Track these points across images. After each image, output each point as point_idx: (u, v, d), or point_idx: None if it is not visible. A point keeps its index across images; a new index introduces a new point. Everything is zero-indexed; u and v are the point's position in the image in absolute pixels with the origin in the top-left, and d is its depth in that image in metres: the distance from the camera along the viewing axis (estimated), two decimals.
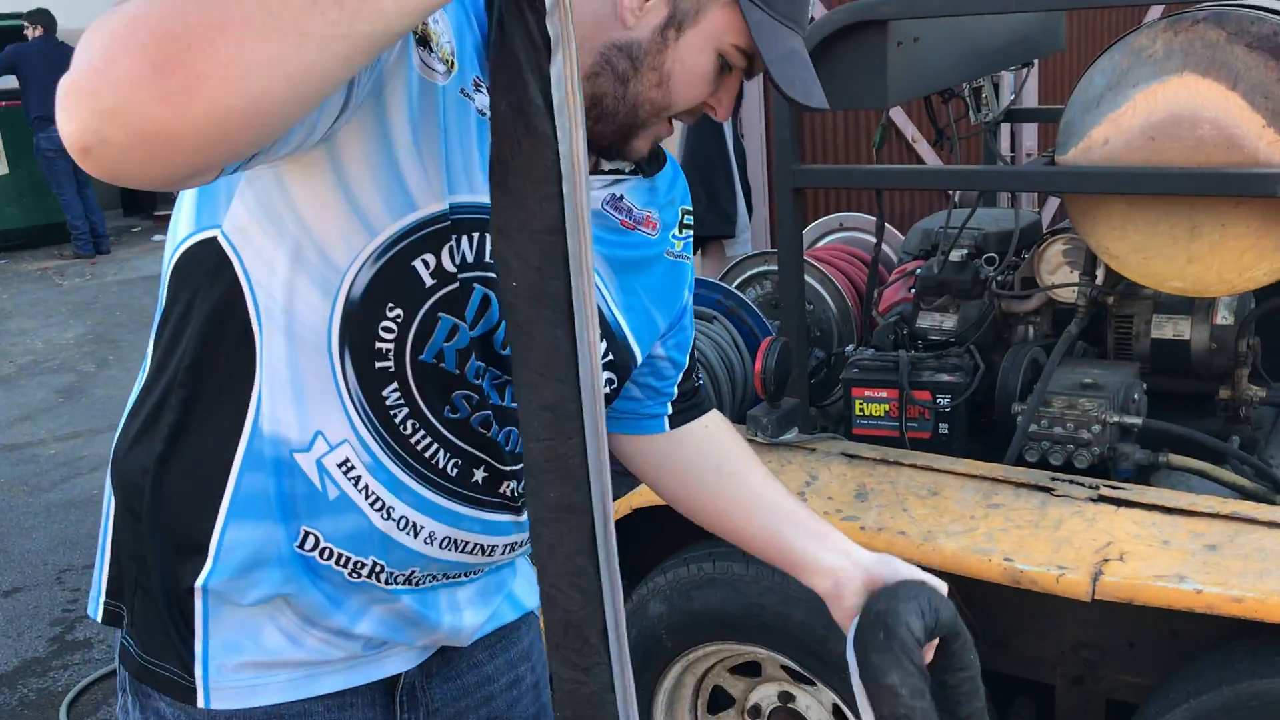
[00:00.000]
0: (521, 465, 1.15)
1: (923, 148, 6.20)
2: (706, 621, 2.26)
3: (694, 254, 4.75)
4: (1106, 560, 1.84)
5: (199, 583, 1.23)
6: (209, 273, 1.17)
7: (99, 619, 1.33)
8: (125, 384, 6.56)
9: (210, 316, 1.18)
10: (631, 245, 1.34)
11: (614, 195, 1.33)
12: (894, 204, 6.34)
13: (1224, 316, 2.59)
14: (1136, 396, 2.43)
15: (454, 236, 1.14)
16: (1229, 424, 2.60)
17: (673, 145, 5.44)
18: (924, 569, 2.13)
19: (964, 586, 2.21)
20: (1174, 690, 1.89)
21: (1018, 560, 1.89)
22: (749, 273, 3.61)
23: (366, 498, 1.23)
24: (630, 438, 1.47)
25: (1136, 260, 2.24)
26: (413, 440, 1.21)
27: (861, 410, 2.58)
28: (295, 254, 1.13)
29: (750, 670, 2.39)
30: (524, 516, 1.32)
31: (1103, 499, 2.02)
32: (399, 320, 1.15)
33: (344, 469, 1.21)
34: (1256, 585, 1.73)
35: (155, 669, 1.27)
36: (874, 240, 2.98)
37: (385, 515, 1.24)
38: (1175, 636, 2.03)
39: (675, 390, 1.46)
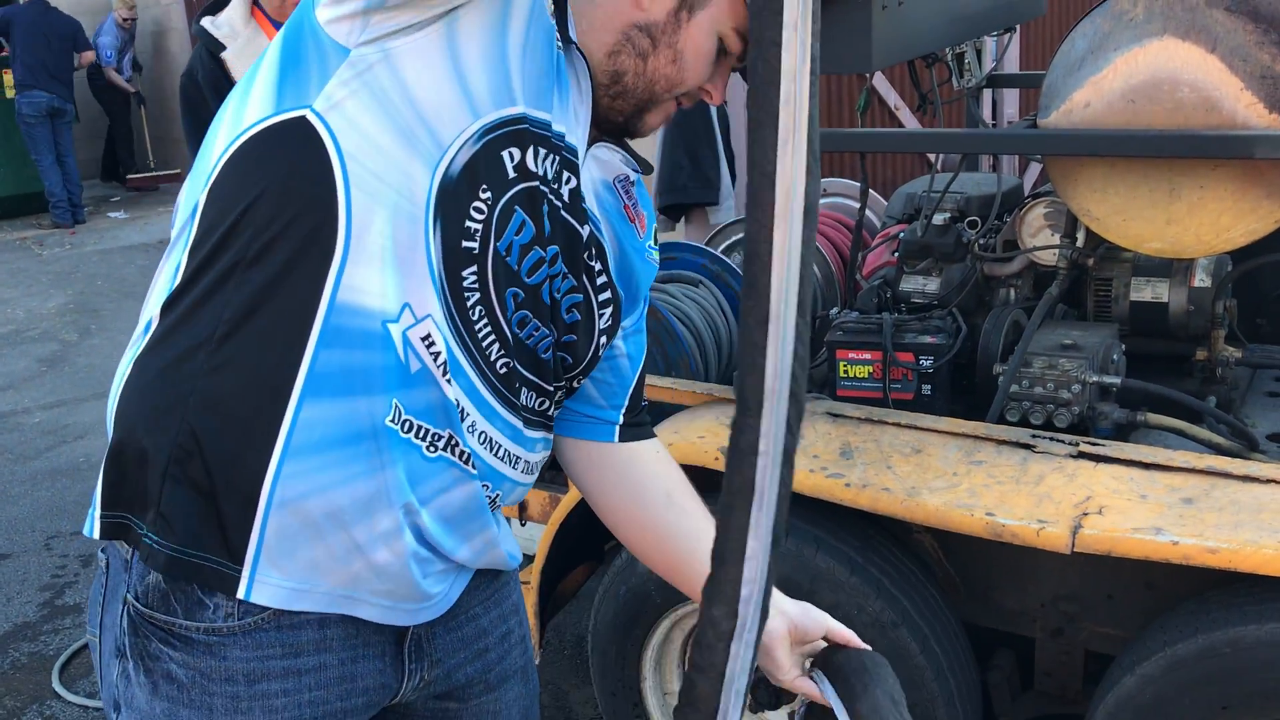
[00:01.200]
0: (558, 385, 1.35)
1: (905, 114, 6.22)
2: None
3: (678, 221, 4.78)
4: (1085, 514, 1.89)
5: (270, 470, 1.23)
6: (289, 150, 1.22)
7: (96, 535, 1.32)
8: (108, 352, 6.56)
9: (287, 193, 1.22)
10: (628, 234, 1.43)
11: (626, 177, 1.42)
12: (877, 169, 6.36)
13: (1201, 279, 2.63)
14: (1115, 357, 2.47)
15: (531, 143, 1.24)
16: (1206, 384, 2.65)
17: None
18: (908, 524, 2.19)
19: (947, 541, 2.26)
20: (1151, 640, 1.94)
21: (999, 514, 1.93)
22: (734, 238, 3.65)
23: (443, 375, 1.27)
24: (576, 443, 1.52)
25: (1116, 222, 2.28)
26: (478, 328, 1.28)
27: (846, 372, 2.61)
28: (401, 129, 1.21)
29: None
30: (551, 434, 1.43)
31: (1082, 455, 2.06)
32: (488, 202, 1.24)
33: (427, 343, 1.25)
34: (1231, 536, 1.78)
35: (192, 558, 1.25)
36: (857, 205, 3.01)
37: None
38: (1152, 589, 2.08)
39: (627, 400, 1.51)
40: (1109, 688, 1.97)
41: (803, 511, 2.18)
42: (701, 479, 2.21)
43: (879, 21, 2.29)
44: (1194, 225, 2.21)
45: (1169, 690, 1.88)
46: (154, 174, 11.97)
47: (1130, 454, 2.04)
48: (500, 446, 1.35)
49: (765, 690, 2.27)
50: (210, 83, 2.70)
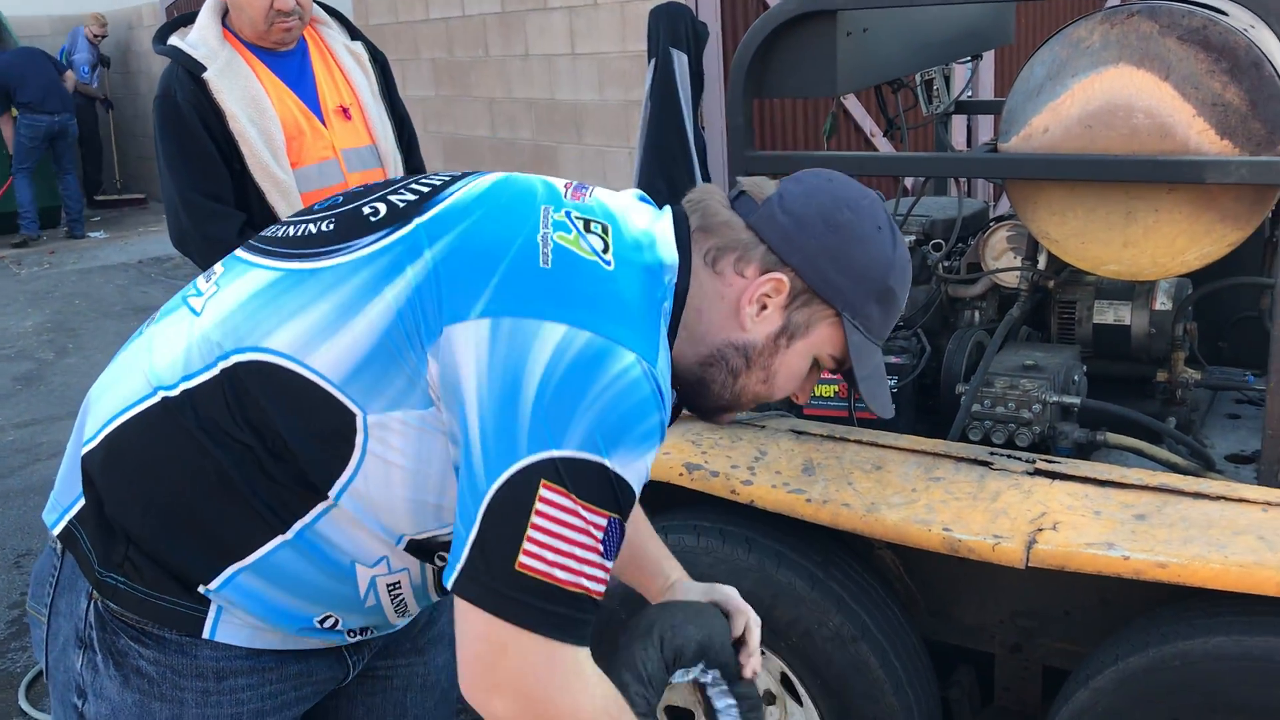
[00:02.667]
0: None
1: (880, 142, 6.30)
2: None
3: None
4: (1040, 529, 1.92)
5: (204, 590, 1.35)
6: (326, 425, 1.28)
7: (55, 531, 1.40)
8: (85, 371, 6.55)
9: (314, 437, 1.30)
10: None
11: None
12: None
13: (1162, 302, 2.68)
14: (1076, 378, 2.51)
15: None
16: (1166, 405, 2.69)
17: (634, 136, 5.50)
18: (869, 540, 2.22)
19: (908, 558, 2.29)
20: (1104, 655, 1.97)
21: (956, 530, 1.96)
22: None
23: (394, 603, 1.44)
24: None
25: (1075, 245, 2.32)
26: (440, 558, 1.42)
27: (812, 391, 2.64)
28: (417, 492, 1.32)
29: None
30: None
31: (1039, 472, 2.10)
32: None
33: (392, 589, 1.41)
34: (1180, 551, 1.81)
35: (159, 601, 1.34)
36: None
37: (401, 613, 1.48)
38: (1107, 605, 2.11)
39: None
40: (1063, 702, 2.00)
41: (765, 527, 2.21)
42: (666, 495, 2.24)
43: (844, 47, 2.34)
44: (1150, 248, 2.26)
45: (1120, 703, 1.91)
46: (121, 197, 11.99)
47: (1085, 471, 2.08)
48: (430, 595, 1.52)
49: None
50: (193, 104, 2.69)
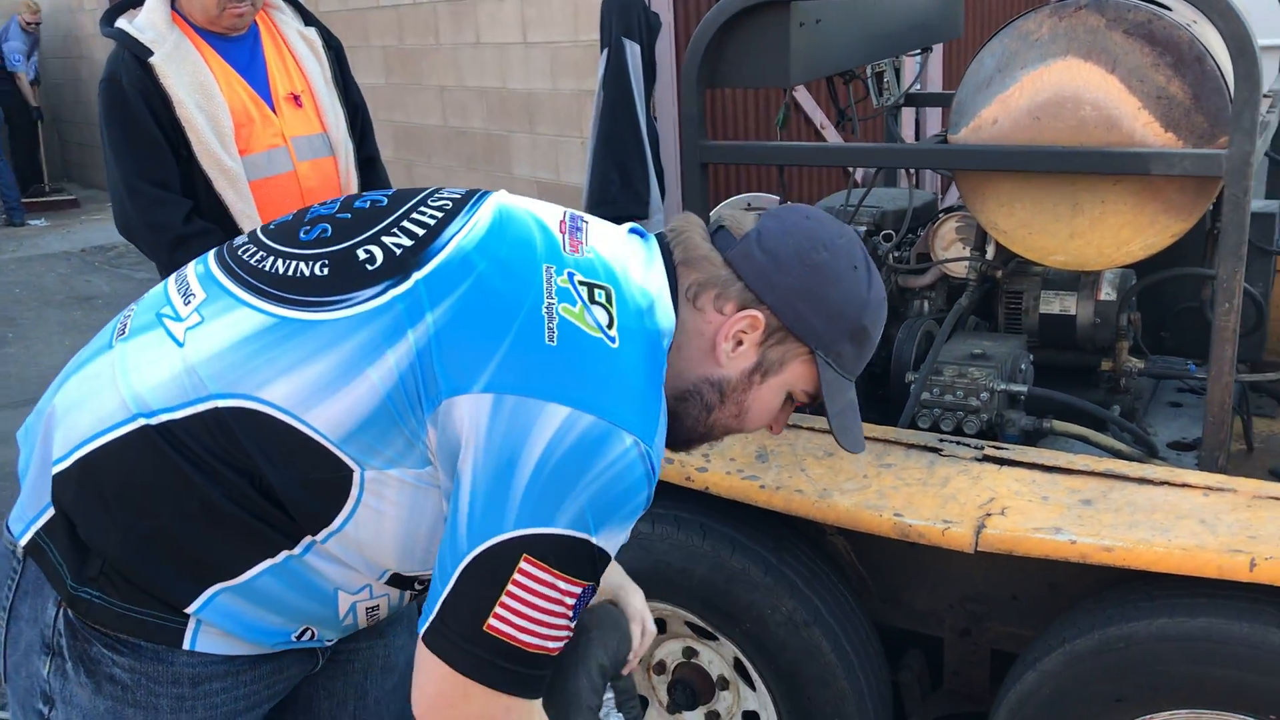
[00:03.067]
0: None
1: (830, 134, 6.34)
2: None
3: None
4: (989, 515, 1.95)
5: (192, 605, 1.35)
6: (323, 475, 1.29)
7: (20, 543, 1.37)
8: (24, 361, 6.43)
9: (301, 493, 1.31)
10: None
11: None
12: (801, 186, 6.47)
13: (1107, 293, 2.72)
14: (1023, 366, 2.55)
15: None
16: (1110, 394, 2.74)
17: (587, 126, 5.50)
18: (822, 526, 2.24)
19: (859, 544, 2.32)
20: (1051, 637, 2.01)
21: (906, 515, 1.99)
22: None
23: (369, 618, 1.46)
24: None
25: (1022, 235, 2.36)
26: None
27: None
28: (406, 546, 1.35)
29: (656, 627, 2.47)
30: None
31: (987, 459, 2.13)
32: None
33: (370, 612, 1.44)
34: (1125, 535, 1.85)
35: (137, 614, 1.34)
36: None
37: (375, 622, 1.50)
38: (1055, 589, 2.15)
39: None
40: (1011, 684, 2.03)
41: (719, 514, 2.23)
42: None
43: (797, 38, 2.36)
44: (1095, 239, 2.30)
45: (1067, 685, 1.94)
46: (51, 199, 11.53)
47: (1033, 458, 2.11)
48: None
49: (682, 690, 2.33)
50: (139, 89, 2.65)
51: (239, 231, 2.72)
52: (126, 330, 1.38)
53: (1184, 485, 1.98)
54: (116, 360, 1.35)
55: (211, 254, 1.43)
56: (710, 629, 2.29)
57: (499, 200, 1.42)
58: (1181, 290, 2.95)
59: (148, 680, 1.35)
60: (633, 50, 5.10)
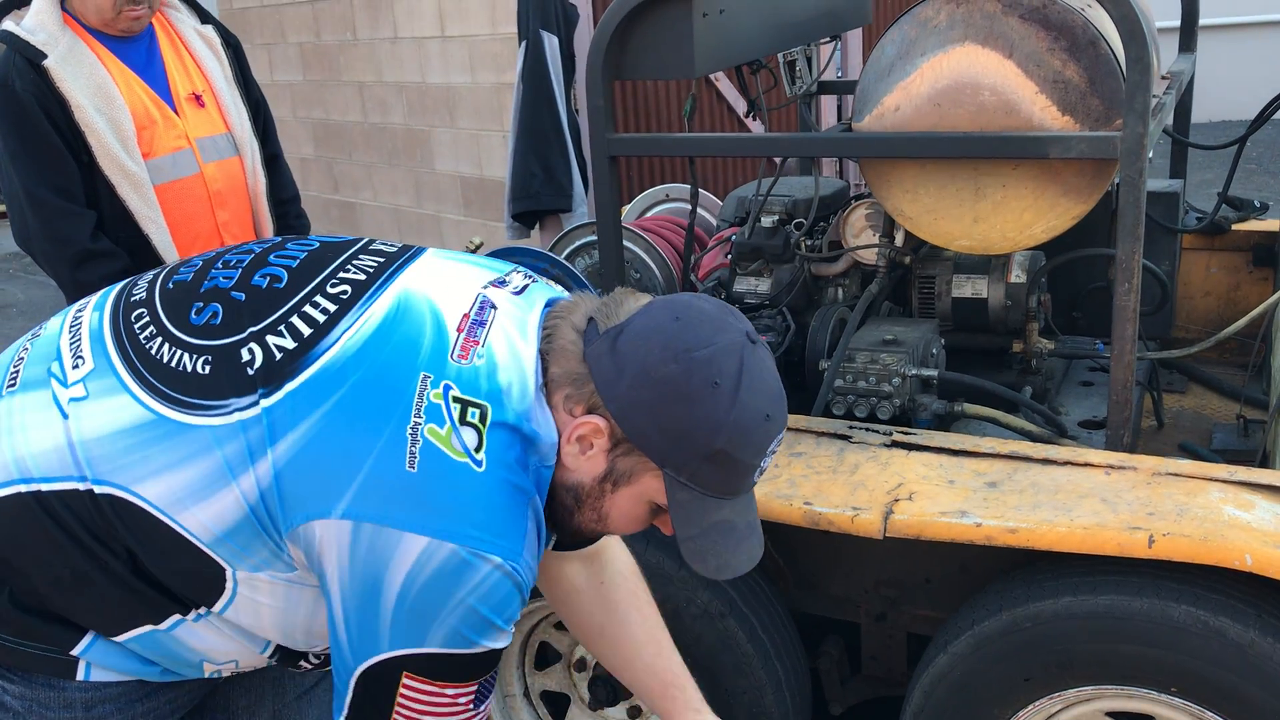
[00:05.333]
0: None
1: (755, 124, 6.36)
2: None
3: (532, 228, 4.81)
4: (897, 500, 1.96)
5: (75, 649, 1.36)
6: (194, 569, 1.31)
7: None
8: None
9: (176, 580, 1.32)
10: None
11: None
12: (722, 176, 6.49)
13: (1017, 275, 2.75)
14: (935, 351, 2.57)
15: None
16: (1022, 375, 2.77)
17: (508, 119, 5.46)
18: None
19: (775, 533, 2.32)
20: (961, 620, 2.02)
21: (816, 504, 1.99)
22: (577, 243, 3.67)
23: (231, 672, 1.47)
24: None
25: (927, 221, 2.37)
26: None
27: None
28: (287, 629, 1.38)
29: None
30: None
31: (896, 444, 2.14)
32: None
33: (231, 669, 1.45)
34: (1029, 517, 1.87)
35: (25, 649, 1.34)
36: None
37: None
38: (966, 571, 2.17)
39: None
40: (923, 668, 2.05)
41: None
42: None
43: (700, 28, 2.35)
44: (999, 223, 2.32)
45: (977, 665, 1.96)
46: None
47: (940, 442, 2.13)
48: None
49: (603, 687, 2.33)
50: (33, 93, 2.55)
51: (144, 239, 2.65)
52: (17, 382, 1.37)
53: (1086, 465, 2.01)
54: (3, 414, 1.35)
55: (109, 307, 1.40)
56: None
57: (405, 285, 1.35)
58: (1091, 270, 2.99)
59: (39, 706, 1.36)
60: (551, 42, 5.08)
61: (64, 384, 1.33)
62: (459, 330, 1.31)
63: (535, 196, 5.19)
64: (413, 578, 1.21)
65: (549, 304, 1.41)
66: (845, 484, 2.03)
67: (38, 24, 2.60)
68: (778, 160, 3.05)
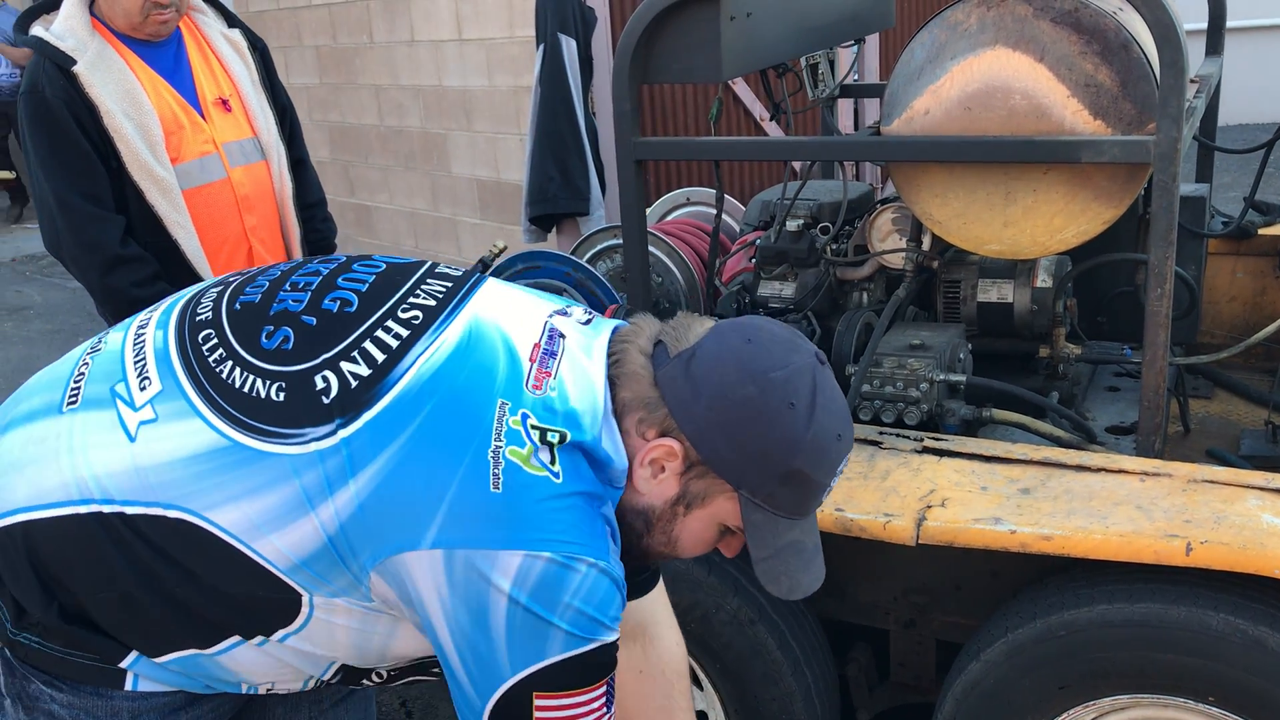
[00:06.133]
0: None
1: (772, 127, 6.35)
2: None
3: (549, 231, 4.81)
4: (929, 506, 1.95)
5: (122, 662, 1.36)
6: (267, 595, 1.30)
7: None
8: None
9: (243, 609, 1.32)
10: None
11: None
12: (743, 180, 6.47)
13: (1043, 280, 2.74)
14: (962, 356, 2.56)
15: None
16: (1049, 380, 2.76)
17: (525, 123, 5.46)
18: None
19: None
20: (994, 627, 2.01)
21: (848, 510, 1.98)
22: (599, 246, 3.67)
23: (267, 692, 1.45)
24: None
25: (957, 225, 2.36)
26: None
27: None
28: (361, 650, 1.37)
29: None
30: None
31: (927, 450, 2.13)
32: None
33: (270, 690, 1.44)
34: (1063, 523, 1.86)
35: (74, 659, 1.34)
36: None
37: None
38: (997, 578, 2.16)
39: None
40: (956, 675, 2.04)
41: None
42: None
43: (727, 33, 2.34)
44: (1029, 227, 2.30)
45: (1010, 674, 1.95)
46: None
47: (972, 448, 2.12)
48: None
49: None
50: (63, 99, 2.56)
51: (172, 243, 2.65)
52: (79, 400, 1.36)
53: (1120, 471, 1.99)
54: (64, 432, 1.33)
55: (173, 326, 1.39)
56: None
57: (475, 312, 1.36)
58: (1117, 275, 2.97)
59: (86, 715, 1.37)
60: (569, 46, 5.07)
61: (131, 406, 1.32)
62: (531, 360, 1.31)
63: (552, 200, 5.18)
64: (516, 593, 1.21)
65: (614, 331, 1.41)
66: (877, 490, 2.02)
67: (67, 29, 2.60)
68: (798, 165, 3.05)
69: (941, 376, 2.40)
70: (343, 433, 1.25)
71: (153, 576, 1.29)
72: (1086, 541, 1.82)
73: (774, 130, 6.27)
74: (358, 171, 7.38)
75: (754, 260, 2.92)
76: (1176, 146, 2.02)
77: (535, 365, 1.31)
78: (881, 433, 2.22)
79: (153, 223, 2.65)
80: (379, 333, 1.32)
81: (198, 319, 1.38)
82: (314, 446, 1.25)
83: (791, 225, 2.84)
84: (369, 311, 1.34)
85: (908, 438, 2.19)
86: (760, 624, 2.15)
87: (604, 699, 1.29)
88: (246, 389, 1.30)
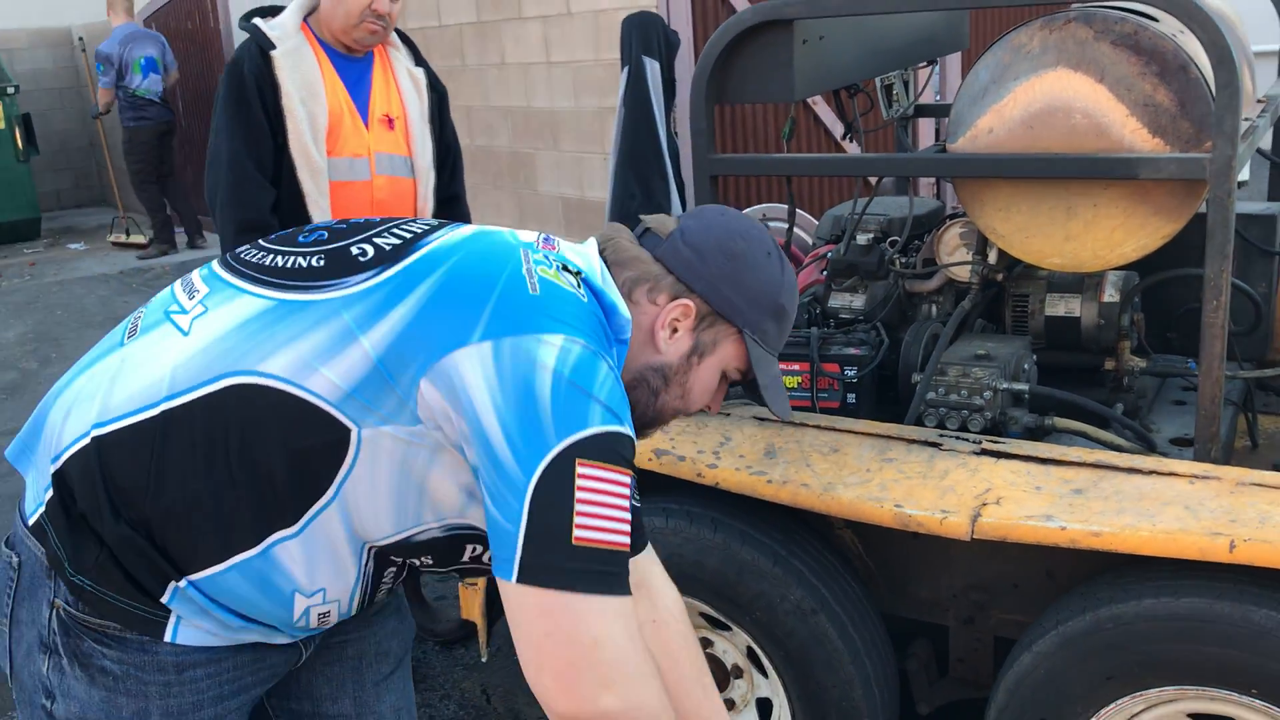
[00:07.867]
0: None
1: (850, 145, 6.43)
2: None
3: None
4: (985, 504, 2.05)
5: (164, 597, 1.45)
6: (319, 437, 1.38)
7: (28, 524, 1.49)
8: None
9: (293, 468, 1.40)
10: None
11: None
12: (821, 196, 6.57)
13: (1110, 294, 2.81)
14: (1026, 366, 2.64)
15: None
16: (1114, 392, 2.82)
17: (609, 142, 5.63)
18: (829, 519, 2.34)
19: (866, 537, 2.42)
20: (1046, 621, 2.10)
21: (906, 506, 2.09)
22: None
23: (322, 624, 1.56)
24: None
25: (1019, 239, 2.46)
26: (383, 586, 1.58)
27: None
28: (400, 498, 1.42)
29: None
30: None
31: (984, 452, 2.23)
32: (430, 562, 1.54)
33: (323, 616, 1.53)
34: (1113, 521, 1.94)
35: (124, 605, 1.44)
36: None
37: (366, 624, 1.71)
38: (1051, 576, 2.24)
39: None
40: (1008, 666, 2.13)
41: (729, 508, 2.33)
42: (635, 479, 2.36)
43: (800, 54, 2.47)
44: (1090, 241, 2.39)
45: (1060, 665, 2.03)
46: (129, 240, 10.85)
47: (1028, 450, 2.21)
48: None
49: None
50: (255, 75, 2.90)
51: (310, 218, 2.94)
52: (137, 330, 1.51)
53: (1171, 474, 2.07)
54: (127, 355, 1.47)
55: (217, 263, 1.57)
56: (723, 619, 2.39)
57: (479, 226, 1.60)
58: (1186, 292, 3.02)
59: (135, 669, 1.46)
60: (652, 68, 5.23)
61: (183, 312, 1.48)
62: (538, 240, 1.55)
63: (634, 217, 5.29)
64: (561, 364, 1.33)
65: (595, 237, 1.65)
66: (935, 488, 2.12)
67: (279, 24, 2.98)
68: (873, 180, 3.16)
69: (1005, 385, 2.49)
70: (386, 273, 1.42)
71: (210, 464, 1.37)
72: (1134, 538, 1.91)
73: (852, 148, 6.36)
74: None
75: (825, 273, 3.04)
76: (1231, 164, 2.10)
77: (539, 242, 1.54)
78: (941, 435, 2.32)
79: (296, 201, 2.94)
80: (403, 226, 1.54)
81: (238, 252, 1.56)
82: (358, 287, 1.41)
83: (861, 239, 2.95)
84: (390, 220, 1.58)
85: (966, 440, 2.29)
86: (822, 613, 2.26)
87: (631, 490, 1.38)
88: (289, 264, 1.47)
